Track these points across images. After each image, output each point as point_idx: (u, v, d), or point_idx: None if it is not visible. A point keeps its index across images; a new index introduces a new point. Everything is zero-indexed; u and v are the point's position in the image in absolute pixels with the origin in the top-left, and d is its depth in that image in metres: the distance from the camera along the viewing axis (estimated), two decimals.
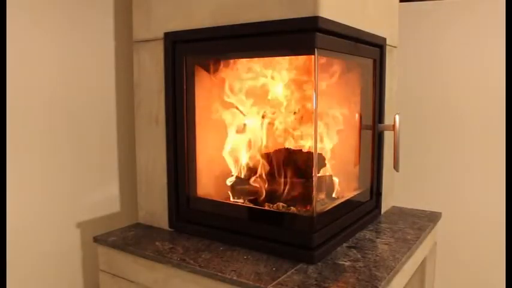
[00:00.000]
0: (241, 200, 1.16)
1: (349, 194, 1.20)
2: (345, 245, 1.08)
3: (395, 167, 1.20)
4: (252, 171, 1.19)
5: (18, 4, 1.07)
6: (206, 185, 1.20)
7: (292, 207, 1.09)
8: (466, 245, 1.59)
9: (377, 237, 1.14)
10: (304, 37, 0.94)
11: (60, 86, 1.18)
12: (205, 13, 1.08)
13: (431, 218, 1.32)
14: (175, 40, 1.13)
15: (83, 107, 1.24)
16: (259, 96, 1.21)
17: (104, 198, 1.32)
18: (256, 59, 1.16)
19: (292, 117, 1.21)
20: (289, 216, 1.06)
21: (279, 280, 0.89)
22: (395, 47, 1.35)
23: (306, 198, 1.07)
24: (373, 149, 1.25)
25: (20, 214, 1.11)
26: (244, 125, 1.22)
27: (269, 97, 1.20)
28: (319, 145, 1.08)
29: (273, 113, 1.21)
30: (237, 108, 1.20)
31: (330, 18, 0.95)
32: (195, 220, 1.16)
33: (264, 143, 1.21)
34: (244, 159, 1.21)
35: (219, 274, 0.92)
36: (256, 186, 1.16)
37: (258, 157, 1.19)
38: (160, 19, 1.16)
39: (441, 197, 1.61)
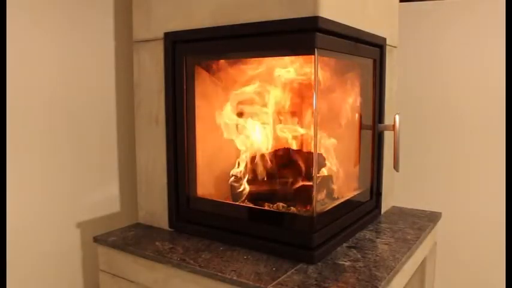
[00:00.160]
0: (241, 200, 1.16)
1: (349, 194, 1.20)
2: (345, 245, 1.08)
3: (395, 167, 1.20)
4: (252, 171, 1.19)
5: (18, 4, 1.07)
6: (206, 185, 1.20)
7: (292, 207, 1.09)
8: (466, 245, 1.59)
9: (377, 237, 1.14)
10: (304, 37, 0.94)
11: (60, 86, 1.18)
12: (205, 13, 1.08)
13: (431, 218, 1.32)
14: (175, 40, 1.13)
15: (83, 107, 1.24)
16: (259, 96, 1.21)
17: (104, 198, 1.32)
18: (256, 59, 1.16)
19: (292, 117, 1.21)
20: (289, 216, 1.06)
21: (279, 280, 0.89)
22: (395, 47, 1.35)
23: (306, 198, 1.07)
24: (373, 149, 1.25)
25: (20, 214, 1.11)
26: (244, 125, 1.22)
27: (269, 97, 1.20)
28: (319, 145, 1.07)
29: (273, 113, 1.21)
30: (237, 108, 1.20)
31: (330, 18, 0.95)
32: (195, 220, 1.16)
33: (264, 143, 1.21)
34: (244, 160, 1.20)
35: (219, 274, 0.92)
36: (256, 186, 1.16)
37: (258, 157, 1.19)
38: (160, 19, 1.16)
39: (441, 197, 1.61)
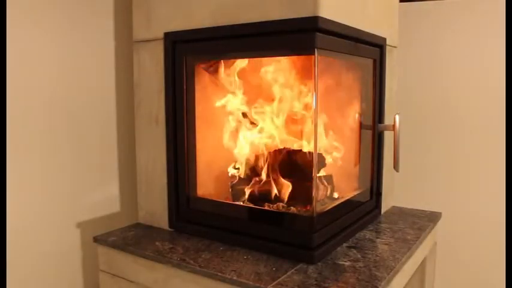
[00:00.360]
0: (241, 200, 1.16)
1: (349, 194, 1.20)
2: (345, 245, 1.08)
3: (395, 167, 1.20)
4: (252, 171, 1.19)
5: (18, 4, 1.07)
6: (206, 185, 1.20)
7: (292, 207, 1.09)
8: (466, 245, 1.59)
9: (377, 237, 1.14)
10: (304, 37, 0.94)
11: (60, 86, 1.18)
12: (205, 13, 1.08)
13: (431, 218, 1.32)
14: (175, 40, 1.13)
15: (83, 107, 1.24)
16: (259, 96, 1.21)
17: (104, 198, 1.32)
18: (256, 59, 1.16)
19: (292, 118, 1.21)
20: (289, 216, 1.06)
21: (279, 280, 0.89)
22: (395, 47, 1.35)
23: (306, 198, 1.07)
24: (373, 149, 1.25)
25: (20, 214, 1.11)
26: (244, 125, 1.22)
27: (269, 97, 1.20)
28: (319, 145, 1.07)
29: (272, 113, 1.21)
30: (236, 108, 1.20)
31: (330, 18, 0.95)
32: (195, 220, 1.16)
33: (264, 143, 1.21)
34: (244, 160, 1.20)
35: (219, 274, 0.92)
36: (256, 186, 1.16)
37: (258, 157, 1.19)
38: (160, 19, 1.16)
39: (441, 197, 1.61)
